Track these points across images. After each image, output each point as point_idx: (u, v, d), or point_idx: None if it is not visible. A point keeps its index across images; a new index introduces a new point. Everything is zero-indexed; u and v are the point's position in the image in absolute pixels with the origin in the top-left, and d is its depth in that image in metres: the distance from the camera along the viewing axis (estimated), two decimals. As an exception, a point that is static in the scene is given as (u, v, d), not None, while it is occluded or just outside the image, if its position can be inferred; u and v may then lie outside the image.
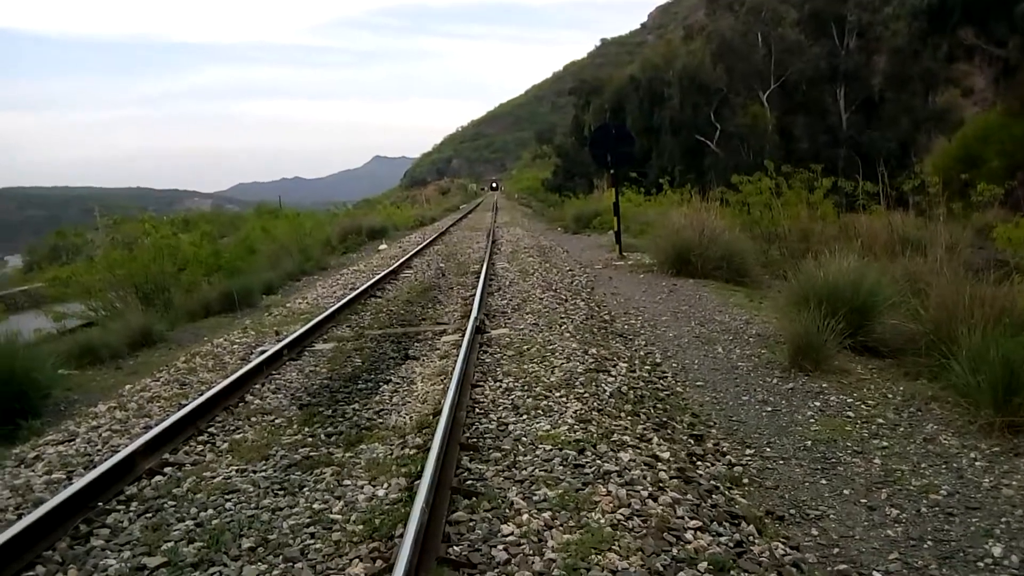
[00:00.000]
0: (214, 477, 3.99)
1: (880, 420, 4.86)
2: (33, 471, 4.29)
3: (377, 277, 11.51)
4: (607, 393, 5.07)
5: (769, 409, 5.17)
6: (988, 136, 29.12)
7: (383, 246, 20.39)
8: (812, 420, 4.92)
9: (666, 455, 4.01)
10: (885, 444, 4.47)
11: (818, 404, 5.21)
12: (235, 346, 7.50)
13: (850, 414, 4.99)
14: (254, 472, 4.01)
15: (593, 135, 16.72)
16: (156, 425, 4.65)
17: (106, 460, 4.05)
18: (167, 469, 4.16)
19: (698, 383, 5.84)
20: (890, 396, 5.32)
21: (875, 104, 35.14)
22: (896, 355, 6.19)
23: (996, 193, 10.35)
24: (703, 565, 2.86)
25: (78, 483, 3.68)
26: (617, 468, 3.67)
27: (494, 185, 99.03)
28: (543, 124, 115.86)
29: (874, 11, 35.59)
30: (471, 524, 3.18)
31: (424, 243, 18.35)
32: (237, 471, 4.06)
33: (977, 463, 4.15)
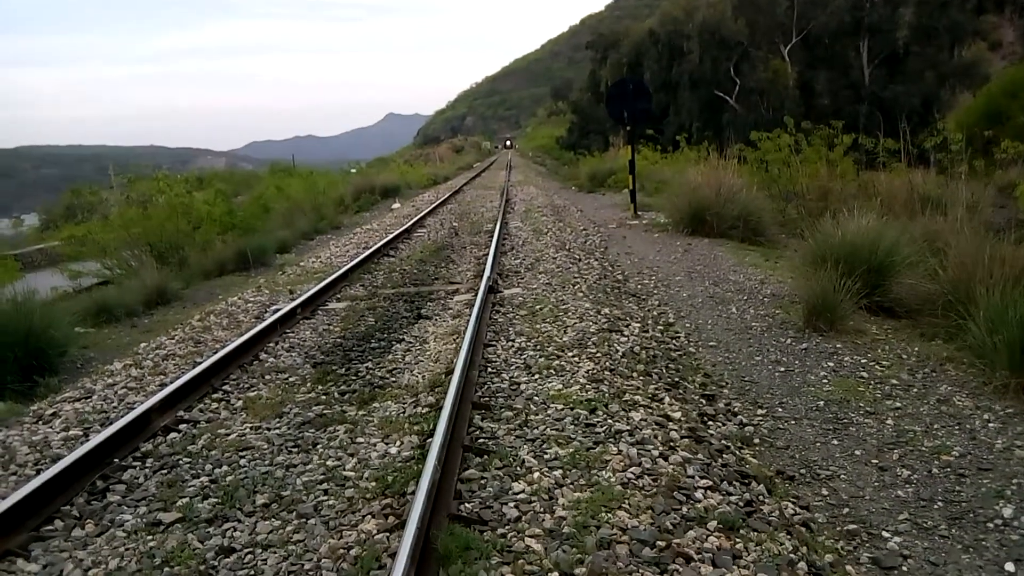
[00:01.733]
0: (229, 434, 4.04)
1: (894, 381, 4.83)
2: (51, 427, 4.35)
3: (390, 236, 11.49)
4: (619, 353, 5.06)
5: (782, 369, 5.15)
6: (1016, 91, 28.37)
7: (396, 205, 20.35)
8: (825, 380, 4.89)
9: (677, 415, 4.00)
10: (898, 405, 4.45)
11: (831, 364, 5.18)
12: (249, 304, 7.55)
13: (863, 375, 4.96)
14: (268, 430, 4.06)
15: (610, 91, 16.44)
16: (171, 383, 4.70)
17: (122, 417, 4.11)
18: (182, 426, 4.22)
19: (711, 343, 5.81)
20: (904, 357, 5.28)
21: (899, 58, 34.30)
22: (912, 315, 6.12)
23: (1021, 150, 10.13)
24: (712, 524, 2.87)
25: (95, 439, 3.74)
26: (628, 428, 3.68)
27: (508, 143, 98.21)
28: (559, 80, 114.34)
29: (901, -39, 34.56)
30: (482, 482, 3.21)
31: (437, 202, 18.28)
32: (251, 428, 4.10)
33: (991, 424, 4.12)
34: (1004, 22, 34.91)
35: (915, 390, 4.67)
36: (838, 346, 5.54)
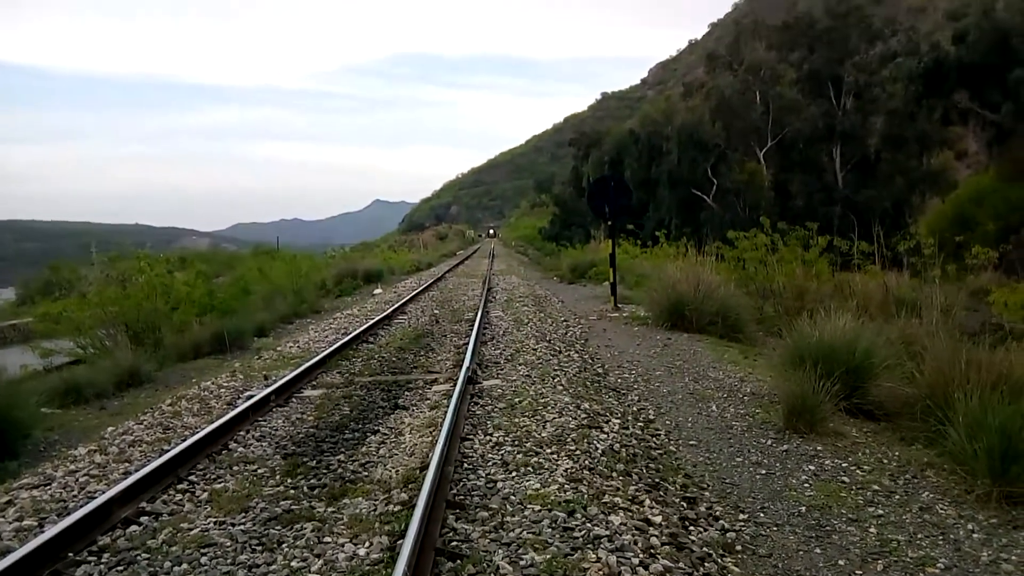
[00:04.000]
0: (191, 529, 3.87)
1: (875, 487, 4.76)
2: (3, 517, 4.15)
3: (371, 322, 11.44)
4: (599, 451, 4.97)
5: (763, 472, 5.07)
6: (982, 199, 29.48)
7: (378, 290, 20.36)
8: (807, 484, 4.82)
9: (658, 519, 3.90)
10: (881, 512, 4.37)
11: (813, 468, 5.11)
12: (222, 390, 7.39)
13: (845, 479, 4.89)
14: (232, 525, 3.89)
15: (592, 186, 16.85)
16: (136, 472, 4.53)
17: (81, 507, 3.93)
18: (143, 519, 4.04)
19: (691, 442, 5.74)
20: (885, 462, 5.23)
21: (871, 164, 35.58)
22: (892, 419, 6.11)
23: (991, 256, 10.39)
24: (693, 640, 2.75)
25: (49, 532, 3.56)
26: (608, 532, 3.57)
27: (492, 232, 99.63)
28: (542, 174, 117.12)
29: (871, 73, 36.29)
30: (454, 588, 3.07)
31: (420, 288, 18.32)
32: (215, 523, 3.94)
33: (975, 535, 4.05)
34: (969, 133, 36.52)
35: (897, 497, 4.61)
36: (819, 448, 5.49)
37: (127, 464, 5.06)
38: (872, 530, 4.14)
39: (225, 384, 7.67)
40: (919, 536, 4.05)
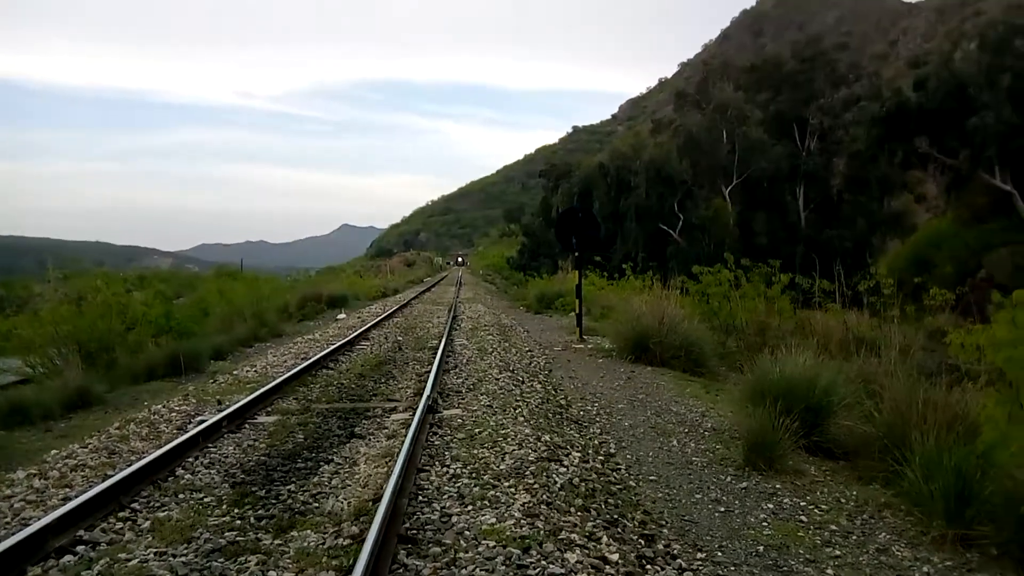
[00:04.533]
0: (129, 560, 3.70)
1: (833, 527, 4.74)
2: (-72, 545, 3.93)
3: (331, 348, 11.26)
4: (558, 485, 4.89)
5: (722, 509, 5.03)
6: (940, 242, 30.28)
7: (342, 315, 20.11)
8: (765, 523, 4.78)
9: (615, 556, 3.82)
10: (838, 553, 4.34)
11: (771, 506, 5.08)
12: (173, 414, 7.18)
13: (803, 519, 4.87)
14: (173, 556, 3.73)
15: (560, 217, 16.92)
16: (75, 498, 4.34)
17: (12, 536, 3.74)
18: (79, 548, 3.86)
19: (651, 477, 5.68)
20: (843, 501, 5.23)
21: (833, 204, 36.37)
22: (850, 457, 6.13)
23: (948, 298, 10.58)
24: None
25: (-26, 563, 3.37)
26: (563, 571, 3.48)
27: (460, 260, 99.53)
28: (512, 203, 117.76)
29: (835, 116, 37.25)
30: (401, 628, 2.95)
31: (384, 315, 18.14)
32: (155, 554, 3.77)
33: (930, 578, 4.03)
34: (928, 177, 37.57)
35: (854, 537, 4.59)
36: (778, 487, 5.47)
37: (67, 489, 4.85)
38: (829, 571, 4.10)
39: (177, 408, 7.45)
40: (875, 578, 4.03)
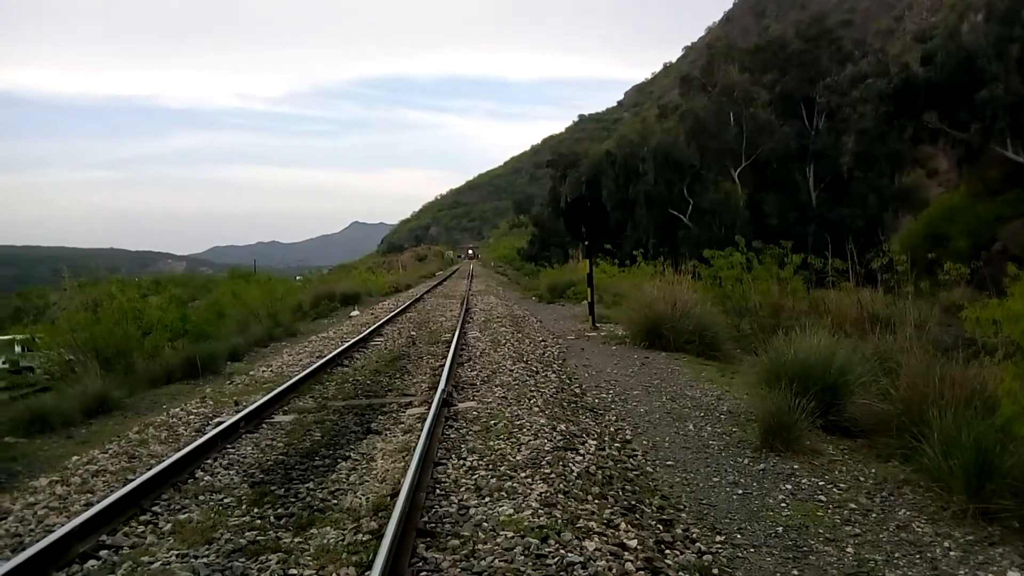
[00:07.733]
0: (152, 563, 3.74)
1: (852, 505, 4.73)
2: (-44, 554, 3.99)
3: (346, 345, 11.30)
4: (574, 474, 4.89)
5: (740, 492, 5.02)
6: (953, 216, 29.98)
7: (355, 312, 20.18)
8: (783, 504, 4.77)
9: (633, 543, 3.83)
10: (858, 531, 4.33)
11: (789, 487, 5.07)
12: (192, 416, 7.24)
13: (822, 498, 4.86)
14: (195, 557, 3.76)
15: (569, 207, 16.87)
16: (97, 503, 4.39)
17: (37, 542, 3.79)
18: (103, 552, 3.90)
19: (668, 462, 5.68)
20: (862, 479, 5.21)
21: (844, 182, 36.03)
22: (867, 435, 6.09)
23: (962, 272, 10.48)
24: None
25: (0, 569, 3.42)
26: (582, 559, 3.49)
27: (471, 252, 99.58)
28: (521, 194, 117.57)
29: (842, 94, 36.85)
30: (422, 620, 2.97)
31: (397, 310, 18.19)
32: (177, 556, 3.80)
33: (952, 553, 4.02)
34: (939, 152, 37.16)
35: (874, 515, 4.57)
36: (795, 467, 5.45)
37: (89, 495, 4.91)
38: (849, 550, 4.09)
39: (195, 410, 7.51)
40: (896, 555, 4.01)
